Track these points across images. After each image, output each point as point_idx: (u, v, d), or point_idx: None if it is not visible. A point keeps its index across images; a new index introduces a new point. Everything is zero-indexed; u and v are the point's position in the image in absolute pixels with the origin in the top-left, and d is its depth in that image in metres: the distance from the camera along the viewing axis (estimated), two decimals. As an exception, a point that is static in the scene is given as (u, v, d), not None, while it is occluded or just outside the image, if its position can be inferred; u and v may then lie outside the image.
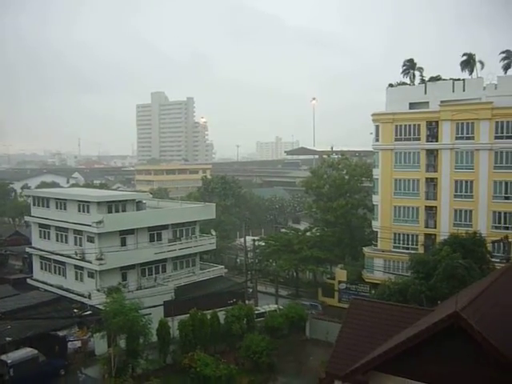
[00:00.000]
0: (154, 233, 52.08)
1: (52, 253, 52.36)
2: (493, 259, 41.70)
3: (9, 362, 36.64)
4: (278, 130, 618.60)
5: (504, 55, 56.09)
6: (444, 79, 57.04)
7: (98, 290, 46.34)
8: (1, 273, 56.20)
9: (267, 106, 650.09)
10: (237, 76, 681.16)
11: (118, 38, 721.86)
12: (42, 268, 55.28)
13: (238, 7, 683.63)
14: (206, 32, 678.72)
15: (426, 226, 54.04)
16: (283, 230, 69.58)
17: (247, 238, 61.64)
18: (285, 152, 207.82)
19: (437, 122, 53.00)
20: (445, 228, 51.30)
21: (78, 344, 43.31)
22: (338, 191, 63.41)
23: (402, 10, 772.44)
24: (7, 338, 39.21)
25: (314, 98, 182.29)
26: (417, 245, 53.65)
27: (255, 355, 38.28)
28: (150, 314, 39.52)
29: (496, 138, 49.98)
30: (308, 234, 62.38)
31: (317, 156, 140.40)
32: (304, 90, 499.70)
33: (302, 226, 70.96)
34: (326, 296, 57.79)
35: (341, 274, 57.37)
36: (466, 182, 51.64)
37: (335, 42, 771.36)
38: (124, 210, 51.35)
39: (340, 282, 56.85)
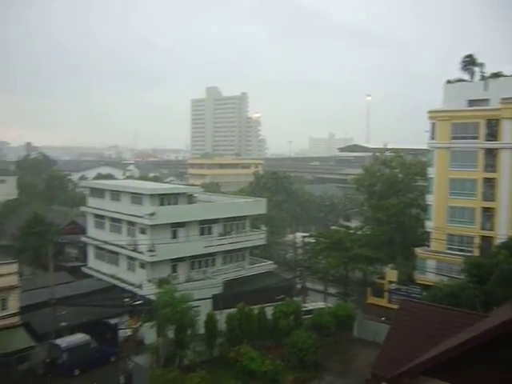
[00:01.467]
0: (205, 226, 52.62)
1: (106, 242, 53.77)
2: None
3: (63, 346, 38.06)
4: (332, 127, 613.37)
5: None
6: (506, 75, 54.77)
7: (149, 281, 47.24)
8: (58, 260, 58.00)
9: (321, 102, 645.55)
10: (289, 72, 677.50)
11: (172, 34, 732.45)
12: (96, 257, 56.94)
13: (286, 2, 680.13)
14: (258, 27, 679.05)
15: (483, 228, 52.23)
16: (334, 228, 68.87)
17: (297, 234, 61.42)
18: (337, 149, 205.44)
19: (497, 120, 51.02)
20: (503, 231, 49.38)
21: (129, 332, 44.45)
22: (391, 189, 62.17)
23: (457, 5, 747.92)
24: (62, 323, 40.67)
25: (368, 95, 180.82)
26: (472, 247, 51.94)
27: (301, 352, 38.11)
28: (199, 306, 40.04)
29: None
30: (359, 232, 61.47)
31: (370, 153, 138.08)
32: (357, 86, 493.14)
33: (353, 224, 69.97)
34: (376, 296, 56.81)
35: (391, 274, 56.25)
36: (528, 183, 49.54)
37: (387, 38, 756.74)
38: (176, 203, 52.12)
39: (390, 283, 55.74)
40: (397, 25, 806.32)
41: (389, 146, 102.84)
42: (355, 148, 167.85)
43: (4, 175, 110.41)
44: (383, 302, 55.20)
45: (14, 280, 40.27)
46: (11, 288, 39.78)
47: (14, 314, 39.85)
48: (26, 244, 62.68)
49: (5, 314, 39.32)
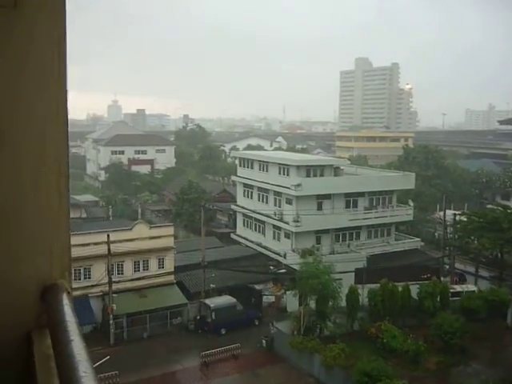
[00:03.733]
0: (350, 199, 52.15)
1: (253, 211, 55.78)
2: None
3: (211, 305, 40.59)
4: (492, 98, 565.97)
5: None
6: None
7: (293, 251, 48.26)
8: (209, 226, 61.68)
9: (478, 71, 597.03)
10: (440, 39, 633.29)
11: (316, 7, 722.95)
12: (244, 225, 59.43)
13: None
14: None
15: None
16: (489, 207, 64.10)
17: (447, 212, 58.22)
18: (497, 121, 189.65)
19: None
20: None
21: (272, 299, 46.05)
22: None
23: None
24: (211, 285, 43.41)
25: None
26: None
27: (446, 335, 36.36)
28: (341, 279, 40.04)
29: None
30: (519, 212, 56.49)
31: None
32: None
33: (513, 204, 64.50)
34: (535, 283, 52.13)
35: (555, 260, 51.14)
36: None
37: None
38: (322, 175, 52.25)
39: (553, 270, 50.75)
40: None
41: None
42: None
43: (164, 145, 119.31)
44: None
45: (170, 242, 43.74)
46: (168, 249, 43.29)
47: (169, 273, 43.40)
48: (181, 209, 67.40)
49: (162, 272, 42.98)
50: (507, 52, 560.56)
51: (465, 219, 57.22)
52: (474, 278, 53.29)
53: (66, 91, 1.83)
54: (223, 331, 40.15)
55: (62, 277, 1.85)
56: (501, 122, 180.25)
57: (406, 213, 55.94)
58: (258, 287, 46.33)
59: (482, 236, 53.16)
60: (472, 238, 56.40)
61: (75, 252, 37.52)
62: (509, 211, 56.37)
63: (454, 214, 55.19)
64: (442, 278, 48.16)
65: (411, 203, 57.22)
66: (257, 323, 42.34)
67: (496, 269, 55.94)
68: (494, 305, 41.65)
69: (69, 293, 1.79)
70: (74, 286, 38.32)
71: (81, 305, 38.62)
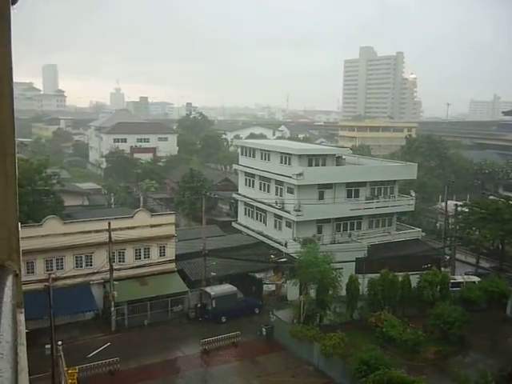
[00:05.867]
0: (352, 189, 52.07)
1: (255, 200, 55.79)
2: None
3: (212, 293, 40.79)
4: (497, 89, 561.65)
5: None
6: None
7: (294, 240, 48.29)
8: (211, 214, 61.73)
9: (482, 62, 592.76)
10: (445, 30, 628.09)
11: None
12: (245, 213, 59.48)
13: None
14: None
15: None
16: (491, 198, 64.02)
17: (449, 202, 58.18)
18: (502, 112, 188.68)
19: None
20: None
21: (273, 288, 46.25)
22: None
23: None
24: (212, 273, 43.60)
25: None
26: None
27: (445, 325, 36.57)
28: (342, 268, 40.24)
29: None
30: (521, 203, 56.39)
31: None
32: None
33: (515, 195, 64.37)
34: (535, 274, 52.18)
35: (556, 252, 51.14)
36: None
37: None
38: (324, 164, 52.17)
39: (554, 261, 50.76)
40: None
41: None
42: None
43: (166, 133, 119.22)
44: (544, 281, 50.58)
45: (171, 230, 43.82)
46: (169, 237, 43.39)
47: (170, 261, 43.57)
48: (183, 198, 67.49)
49: (163, 260, 43.14)
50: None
51: (466, 210, 57.21)
52: (474, 268, 53.46)
53: (11, 72, 1.81)
54: (224, 319, 40.39)
55: (9, 258, 1.82)
56: (505, 113, 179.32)
57: (407, 203, 55.85)
58: (258, 276, 46.50)
59: (484, 227, 53.20)
60: (473, 228, 56.44)
61: (76, 239, 37.79)
62: (511, 202, 56.30)
63: (456, 205, 55.10)
64: (442, 269, 48.26)
65: (413, 193, 57.11)
66: (257, 311, 42.58)
67: (496, 260, 56.04)
68: (494, 296, 41.79)
69: (17, 275, 1.78)
70: (76, 273, 38.60)
71: (82, 292, 38.92)
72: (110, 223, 38.48)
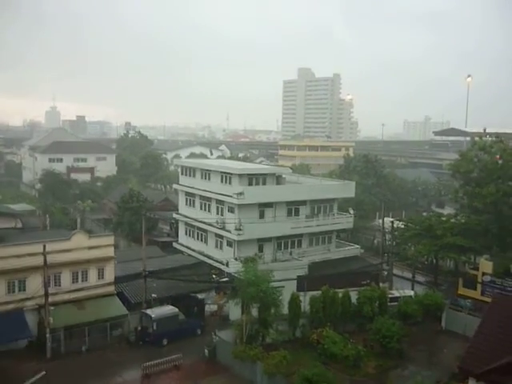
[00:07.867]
0: (292, 208, 52.70)
1: (196, 220, 55.44)
2: None
3: (153, 316, 39.94)
4: (428, 110, 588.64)
5: None
6: None
7: (236, 259, 48.23)
8: (151, 235, 60.80)
9: (416, 85, 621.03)
10: (383, 54, 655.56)
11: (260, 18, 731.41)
12: (186, 233, 58.92)
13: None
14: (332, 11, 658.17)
15: None
16: (425, 214, 66.53)
17: (386, 219, 59.97)
18: (433, 132, 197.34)
19: None
20: None
21: (215, 308, 45.92)
22: (489, 177, 58.56)
23: None
24: (153, 295, 42.73)
25: (469, 76, 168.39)
26: None
27: (385, 339, 37.44)
28: (283, 286, 40.44)
29: None
30: (452, 220, 58.88)
31: (468, 138, 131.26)
32: (458, 69, 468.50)
33: (446, 212, 67.17)
34: (467, 287, 54.15)
35: (486, 265, 53.38)
36: None
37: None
38: (264, 184, 52.59)
39: (484, 274, 52.97)
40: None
41: (488, 131, 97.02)
42: (452, 132, 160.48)
43: (105, 153, 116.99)
44: (475, 294, 52.63)
45: (110, 251, 42.74)
46: (108, 259, 42.28)
47: (109, 284, 42.40)
48: (122, 218, 66.13)
49: (102, 282, 41.92)
50: (444, 68, 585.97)
51: (402, 226, 59.12)
52: (410, 283, 55.10)
53: None
54: (165, 342, 39.58)
55: None
56: (436, 133, 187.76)
57: (346, 220, 57.08)
58: (200, 296, 46.03)
59: (418, 242, 55.05)
60: (409, 244, 58.29)
61: (8, 264, 36.13)
62: (443, 219, 58.69)
63: (392, 221, 56.86)
64: (380, 284, 49.46)
65: (351, 211, 58.50)
66: (199, 332, 42.00)
67: (431, 274, 58.06)
68: (430, 309, 43.12)
69: None
70: (8, 299, 36.77)
71: (15, 319, 37.10)
72: (45, 246, 37.00)
